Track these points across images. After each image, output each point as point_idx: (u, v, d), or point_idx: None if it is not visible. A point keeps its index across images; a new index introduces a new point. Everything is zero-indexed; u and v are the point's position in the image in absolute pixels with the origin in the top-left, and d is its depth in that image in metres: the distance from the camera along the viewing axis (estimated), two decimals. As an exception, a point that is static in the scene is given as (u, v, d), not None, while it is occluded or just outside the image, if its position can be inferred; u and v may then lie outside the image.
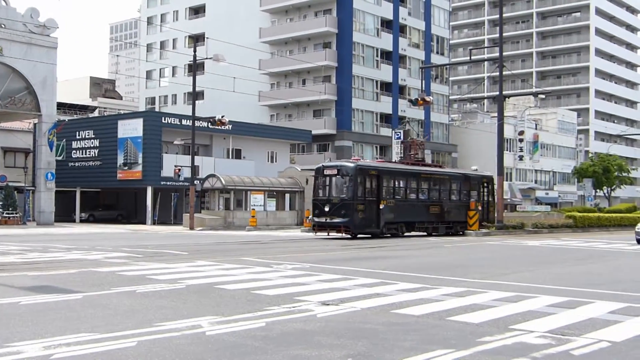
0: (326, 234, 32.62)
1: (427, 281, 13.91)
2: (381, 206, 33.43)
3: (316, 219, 32.80)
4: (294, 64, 69.76)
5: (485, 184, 41.27)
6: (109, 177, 52.66)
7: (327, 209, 32.52)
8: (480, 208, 38.23)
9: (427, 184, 37.30)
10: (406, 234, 34.88)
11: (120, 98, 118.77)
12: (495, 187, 40.22)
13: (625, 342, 8.16)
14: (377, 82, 72.16)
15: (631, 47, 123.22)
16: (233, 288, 12.51)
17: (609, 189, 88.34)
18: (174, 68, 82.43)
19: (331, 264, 17.55)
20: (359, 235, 32.79)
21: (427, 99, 38.93)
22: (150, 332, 8.25)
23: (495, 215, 39.47)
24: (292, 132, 63.90)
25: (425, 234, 36.09)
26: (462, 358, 7.16)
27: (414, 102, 39.51)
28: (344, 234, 32.27)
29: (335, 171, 33.28)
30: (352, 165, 33.22)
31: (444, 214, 37.17)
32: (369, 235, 33.07)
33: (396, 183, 35.37)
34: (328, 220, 32.03)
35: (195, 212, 44.04)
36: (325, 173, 33.60)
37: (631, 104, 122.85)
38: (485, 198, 40.88)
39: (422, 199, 36.73)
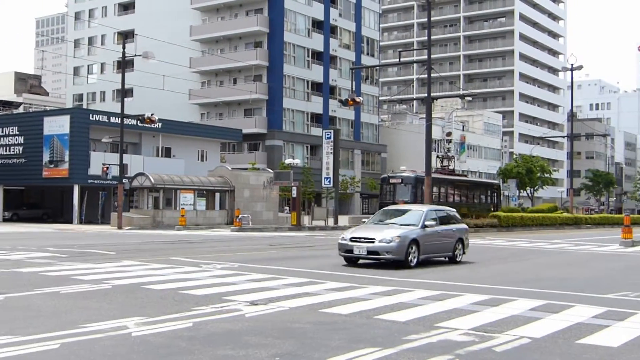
0: None
1: (355, 280, 14.04)
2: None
3: None
4: (225, 62, 69.35)
5: (495, 189, 54.34)
6: (34, 174, 51.32)
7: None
8: (492, 208, 40.64)
9: (459, 190, 48.80)
10: None
11: (47, 94, 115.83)
12: (428, 187, 40.82)
13: (545, 337, 8.42)
14: (308, 82, 72.35)
15: (553, 52, 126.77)
16: (160, 288, 12.39)
17: (532, 189, 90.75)
18: (102, 65, 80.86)
19: (261, 263, 17.56)
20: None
21: (357, 99, 39.19)
22: (74, 334, 8.11)
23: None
24: (223, 131, 63.50)
25: None
26: (388, 356, 7.27)
27: (344, 103, 39.73)
28: None
29: (399, 180, 44.36)
30: (412, 175, 44.70)
31: (471, 213, 45.67)
32: None
33: (440, 189, 45.62)
34: None
35: (124, 211, 43.29)
36: (390, 182, 44.76)
37: (553, 107, 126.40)
38: (495, 201, 53.26)
39: (457, 201, 46.55)
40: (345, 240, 17.28)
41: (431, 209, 19.10)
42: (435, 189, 43.04)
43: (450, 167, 52.20)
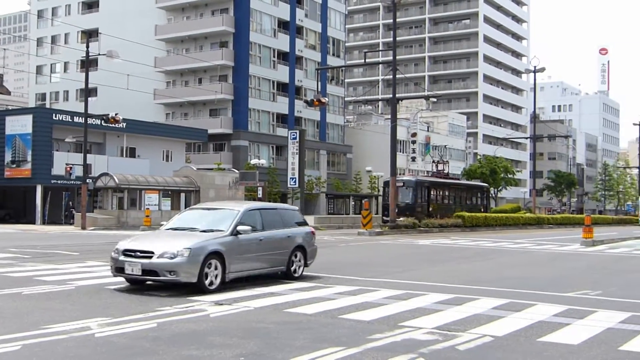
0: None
1: (320, 280, 14.09)
2: (430, 208, 48.00)
3: (385, 218, 43.80)
4: (190, 62, 68.97)
5: (485, 191, 59.33)
6: (-5, 175, 50.59)
7: (396, 210, 42.51)
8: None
9: (454, 192, 53.18)
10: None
11: (9, 93, 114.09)
12: (393, 188, 41.11)
13: (507, 336, 8.54)
14: (273, 82, 72.25)
15: (517, 54, 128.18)
16: (125, 289, 12.31)
17: (495, 189, 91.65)
18: (65, 64, 79.86)
19: (226, 264, 17.47)
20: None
21: (323, 100, 39.27)
22: (36, 335, 8.03)
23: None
24: (188, 131, 63.15)
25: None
26: (352, 355, 7.31)
27: (310, 103, 39.80)
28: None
29: (401, 183, 47.15)
30: (413, 179, 49.76)
31: (464, 212, 48.04)
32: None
33: (438, 192, 50.63)
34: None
35: (88, 211, 42.86)
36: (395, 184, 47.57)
37: (517, 109, 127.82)
38: (485, 202, 57.82)
39: (451, 203, 51.40)
40: (118, 253, 12.33)
41: (251, 207, 14.17)
42: (433, 192, 49.57)
43: (445, 172, 56.58)
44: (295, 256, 14.54)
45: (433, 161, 61.64)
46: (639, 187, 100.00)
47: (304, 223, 15.65)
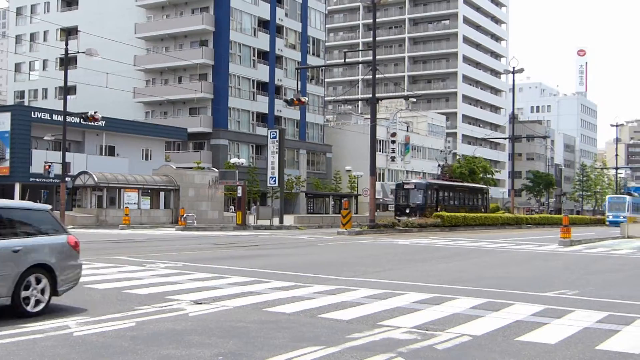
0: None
1: (300, 279, 14.09)
2: (438, 208, 50.69)
3: (398, 218, 46.18)
4: (170, 61, 68.71)
5: (485, 193, 63.08)
6: (-28, 173, 50.12)
7: (407, 211, 48.76)
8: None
9: (458, 194, 56.96)
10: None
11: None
12: (372, 187, 41.20)
13: (485, 335, 8.59)
14: (253, 81, 72.15)
15: (496, 55, 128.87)
16: (103, 287, 12.25)
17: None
18: (44, 61, 79.26)
19: (205, 262, 17.46)
20: None
21: (303, 99, 39.36)
22: (12, 335, 7.97)
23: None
24: (168, 130, 62.91)
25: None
26: (331, 355, 7.33)
27: (290, 102, 39.88)
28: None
29: (412, 186, 52.24)
30: (424, 182, 53.51)
31: (467, 212, 52.15)
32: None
33: (445, 194, 54.44)
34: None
35: (66, 210, 42.58)
36: (404, 187, 52.82)
37: (495, 109, 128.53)
38: (485, 202, 61.88)
39: (456, 204, 54.92)
40: None
41: None
42: (441, 194, 53.59)
43: (448, 173, 63.04)
44: (32, 282, 9.49)
45: (439, 165, 67.91)
46: (616, 187, 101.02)
47: (58, 230, 10.53)
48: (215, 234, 36.00)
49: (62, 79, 43.27)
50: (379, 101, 42.51)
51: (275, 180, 47.60)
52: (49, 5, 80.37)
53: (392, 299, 11.47)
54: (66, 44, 42.56)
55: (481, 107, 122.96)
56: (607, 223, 69.09)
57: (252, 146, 72.21)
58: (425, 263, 19.41)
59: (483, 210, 59.45)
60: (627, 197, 73.43)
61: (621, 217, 63.77)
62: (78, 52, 45.69)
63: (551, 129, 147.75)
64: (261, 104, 72.70)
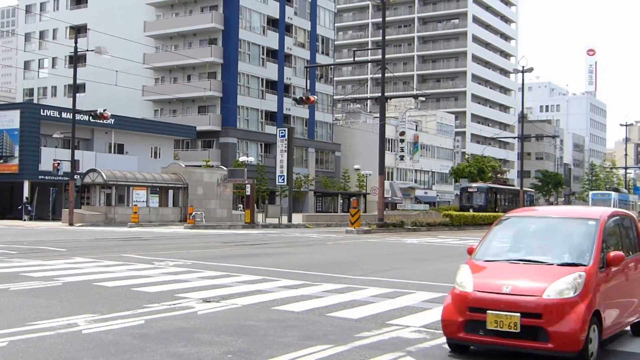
0: None
1: (308, 278, 14.08)
2: (497, 208, 58.45)
3: None
4: (179, 59, 68.79)
5: (530, 196, 72.65)
6: (-18, 170, 50.29)
7: (471, 210, 54.39)
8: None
9: (508, 196, 65.71)
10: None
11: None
12: (381, 186, 41.17)
13: (493, 335, 8.55)
14: (262, 80, 72.17)
15: (505, 54, 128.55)
16: (112, 285, 12.28)
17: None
18: (54, 59, 79.47)
19: (214, 261, 17.48)
20: None
21: (312, 98, 39.33)
22: (23, 332, 8.00)
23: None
24: (176, 128, 62.98)
25: None
26: (340, 353, 7.32)
27: (299, 101, 39.86)
28: None
29: (475, 189, 61.42)
30: (485, 186, 62.55)
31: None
32: None
33: (500, 196, 62.99)
34: None
35: (75, 207, 42.70)
36: (468, 190, 61.88)
37: (504, 108, 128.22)
38: (532, 204, 69.91)
39: (509, 204, 61.65)
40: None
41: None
42: (497, 196, 62.23)
43: (502, 179, 74.45)
44: None
45: (495, 173, 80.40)
46: (626, 187, 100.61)
47: None
48: (224, 232, 36.06)
49: (71, 76, 43.39)
50: (388, 100, 42.42)
51: (284, 179, 47.60)
52: (58, 3, 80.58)
53: (401, 298, 11.45)
54: (75, 42, 42.66)
55: (490, 107, 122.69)
56: None
57: (261, 145, 72.25)
58: (434, 262, 19.38)
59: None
60: (613, 193, 67.39)
61: None
62: (87, 50, 45.83)
63: (560, 129, 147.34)
64: (270, 103, 72.73)
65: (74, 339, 7.71)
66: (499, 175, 75.43)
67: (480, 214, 52.52)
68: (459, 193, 67.60)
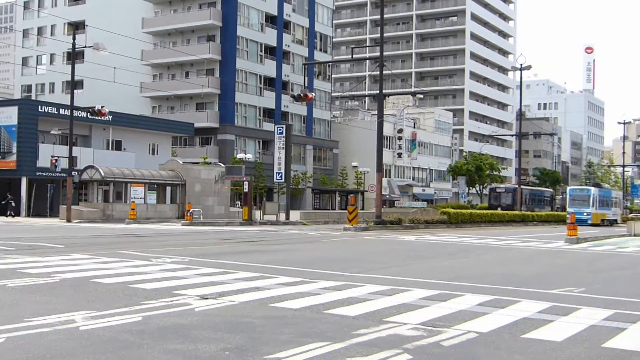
0: None
1: (306, 275, 14.07)
2: (523, 207, 63.49)
3: None
4: (177, 55, 68.76)
5: (552, 196, 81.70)
6: (-21, 166, 50.25)
7: (499, 209, 59.25)
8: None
9: (534, 196, 73.19)
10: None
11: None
12: (379, 183, 41.17)
13: (491, 332, 8.57)
14: (260, 76, 72.16)
15: (503, 52, 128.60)
16: (110, 282, 12.27)
17: (481, 186, 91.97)
18: (52, 55, 79.42)
19: (211, 257, 17.47)
20: None
21: (310, 95, 39.38)
22: (20, 328, 7.99)
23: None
24: (174, 125, 62.97)
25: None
26: (337, 350, 7.32)
27: (297, 98, 39.94)
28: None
29: (503, 189, 69.90)
30: (512, 187, 69.12)
31: (540, 210, 66.50)
32: None
33: (526, 196, 67.65)
34: None
35: (73, 204, 42.69)
36: (497, 191, 70.26)
37: (502, 106, 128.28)
38: (551, 202, 79.99)
39: (530, 204, 69.13)
40: None
41: None
42: (523, 196, 65.46)
43: (527, 181, 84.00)
44: None
45: (522, 173, 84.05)
46: (623, 185, 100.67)
47: None
48: (222, 229, 36.05)
49: (69, 73, 43.36)
50: (386, 97, 42.50)
51: (281, 176, 47.60)
52: (57, 0, 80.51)
53: (398, 295, 11.45)
54: (73, 38, 42.62)
55: (488, 104, 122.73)
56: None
57: (259, 142, 72.25)
58: (431, 260, 19.39)
59: (549, 208, 76.70)
60: (592, 189, 61.25)
61: (585, 214, 55.37)
62: (85, 47, 45.80)
63: (558, 126, 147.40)
64: (268, 100, 72.71)
65: (71, 336, 7.71)
66: (525, 176, 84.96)
67: (479, 211, 52.65)
68: (487, 193, 75.72)
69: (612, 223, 62.73)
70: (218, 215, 47.42)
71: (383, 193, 47.96)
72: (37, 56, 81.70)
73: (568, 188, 66.49)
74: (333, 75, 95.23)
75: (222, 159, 64.16)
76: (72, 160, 42.85)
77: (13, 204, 47.98)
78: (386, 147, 79.18)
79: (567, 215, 57.34)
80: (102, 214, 43.40)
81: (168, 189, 48.28)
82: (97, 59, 61.02)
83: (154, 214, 45.49)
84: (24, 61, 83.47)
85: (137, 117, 60.65)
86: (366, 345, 7.58)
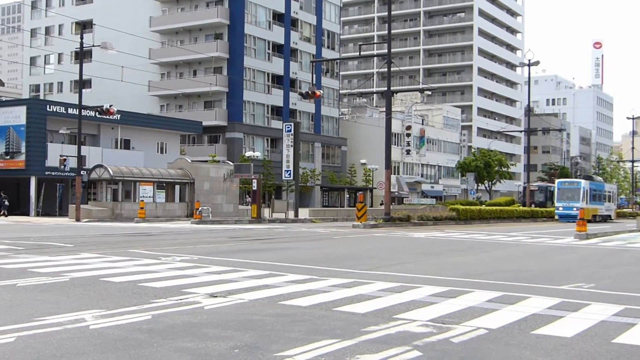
0: None
1: (315, 272, 14.07)
2: (552, 204, 61.38)
3: None
4: (185, 54, 68.85)
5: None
6: (-11, 166, 50.46)
7: (532, 206, 61.59)
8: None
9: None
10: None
11: (2, 84, 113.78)
12: (387, 180, 41.14)
13: (500, 328, 8.55)
14: (268, 74, 72.18)
15: (511, 48, 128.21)
16: (119, 281, 12.29)
17: (490, 183, 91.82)
18: (60, 55, 79.66)
19: (220, 256, 17.49)
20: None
21: (318, 92, 39.33)
22: (30, 327, 8.02)
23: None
24: (183, 123, 63.08)
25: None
26: (347, 348, 7.31)
27: (305, 96, 39.89)
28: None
29: (536, 188, 69.01)
30: (544, 185, 71.17)
31: None
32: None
33: (549, 194, 66.53)
34: None
35: (82, 203, 42.82)
36: (530, 189, 66.81)
37: (511, 102, 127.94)
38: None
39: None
40: None
41: None
42: (550, 194, 66.35)
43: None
44: None
45: (550, 176, 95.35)
46: (632, 180, 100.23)
47: None
48: (231, 227, 36.09)
49: (77, 72, 43.46)
50: (394, 94, 42.44)
51: (290, 174, 47.61)
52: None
53: (408, 292, 11.43)
54: (81, 38, 42.72)
55: (496, 100, 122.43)
56: (557, 217, 55.31)
57: (267, 139, 72.28)
58: (441, 256, 19.36)
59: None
60: (583, 181, 56.08)
61: (574, 209, 48.63)
62: (93, 46, 45.91)
63: (567, 122, 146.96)
64: (276, 97, 72.73)
65: (81, 335, 7.73)
66: (548, 174, 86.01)
67: (488, 208, 52.54)
68: (521, 191, 79.91)
69: (605, 219, 58.86)
70: (227, 214, 47.48)
71: (392, 190, 47.88)
72: (45, 56, 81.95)
73: (557, 181, 60.13)
74: (341, 73, 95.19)
75: (230, 157, 64.24)
76: (80, 159, 42.97)
77: (7, 203, 48.08)
78: (394, 144, 79.10)
79: (556, 211, 55.70)
80: (111, 213, 43.51)
81: (177, 187, 48.38)
82: (105, 58, 61.14)
83: (163, 213, 45.58)
84: (32, 61, 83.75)
85: (145, 116, 60.76)
86: (376, 342, 7.58)
